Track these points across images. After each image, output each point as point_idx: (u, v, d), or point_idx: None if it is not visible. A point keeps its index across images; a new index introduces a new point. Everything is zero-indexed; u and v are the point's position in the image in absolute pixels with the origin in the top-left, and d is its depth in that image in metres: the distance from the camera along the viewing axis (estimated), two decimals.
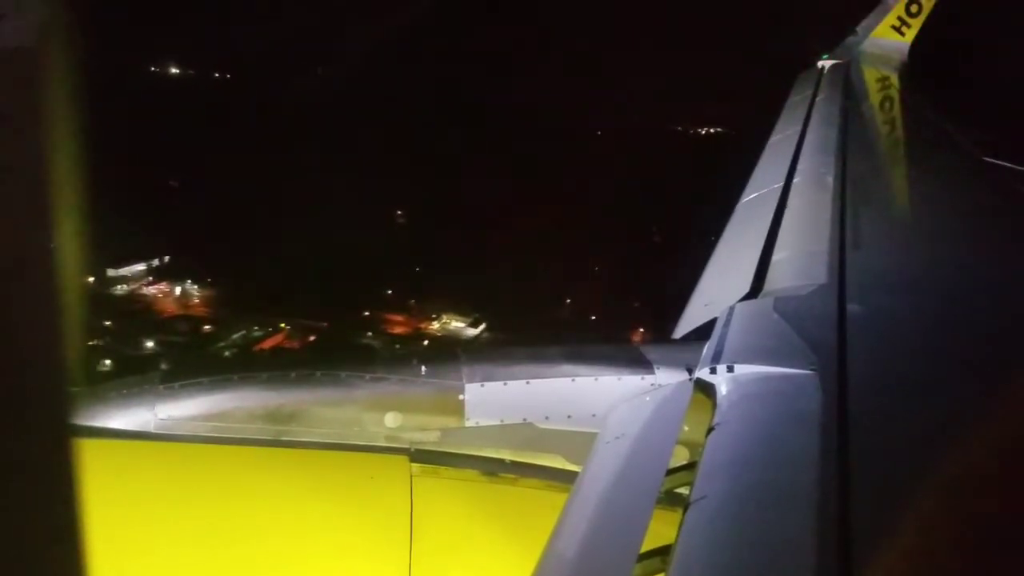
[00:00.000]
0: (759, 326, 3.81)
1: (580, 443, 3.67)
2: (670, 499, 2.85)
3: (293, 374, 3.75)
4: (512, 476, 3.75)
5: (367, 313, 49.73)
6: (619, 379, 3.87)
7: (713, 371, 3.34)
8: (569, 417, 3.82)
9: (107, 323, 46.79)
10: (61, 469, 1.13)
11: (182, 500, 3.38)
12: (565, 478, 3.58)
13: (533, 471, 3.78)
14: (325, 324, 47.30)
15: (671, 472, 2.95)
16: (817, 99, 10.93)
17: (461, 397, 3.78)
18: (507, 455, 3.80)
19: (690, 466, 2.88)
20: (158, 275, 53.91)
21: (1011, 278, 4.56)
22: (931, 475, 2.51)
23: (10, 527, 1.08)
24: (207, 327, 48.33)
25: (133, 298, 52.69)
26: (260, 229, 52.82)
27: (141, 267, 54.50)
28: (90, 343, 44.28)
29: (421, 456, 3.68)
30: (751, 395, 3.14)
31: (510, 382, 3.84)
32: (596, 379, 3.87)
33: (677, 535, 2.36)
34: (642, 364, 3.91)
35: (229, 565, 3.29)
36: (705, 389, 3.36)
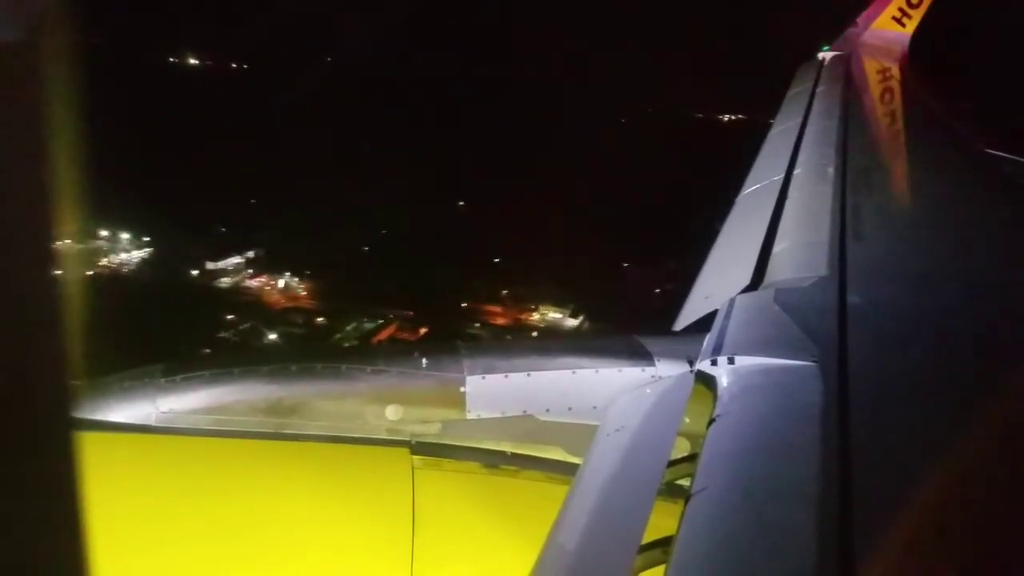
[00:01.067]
0: (760, 318, 3.81)
1: (581, 435, 3.67)
2: (671, 491, 2.85)
3: (294, 367, 3.75)
4: (513, 468, 3.76)
5: (464, 304, 50.60)
6: (620, 371, 3.87)
7: (714, 363, 3.34)
8: (570, 409, 3.82)
9: (229, 316, 48.44)
10: (62, 462, 1.13)
11: (183, 493, 3.38)
12: (566, 470, 3.58)
13: (534, 463, 3.79)
14: (420, 315, 48.26)
15: (672, 464, 2.95)
16: (817, 91, 10.90)
17: (462, 389, 3.78)
18: (508, 447, 3.81)
19: (691, 458, 2.89)
20: (255, 268, 55.00)
21: (1012, 269, 4.56)
22: (931, 467, 2.52)
23: (10, 520, 1.07)
24: (319, 319, 49.15)
25: (239, 290, 53.75)
26: (343, 221, 53.87)
27: (237, 260, 55.56)
28: (219, 335, 45.53)
29: (422, 448, 3.68)
30: (752, 387, 3.14)
31: (511, 374, 3.84)
32: (597, 371, 3.87)
33: (678, 527, 2.36)
34: (643, 356, 3.92)
35: (230, 558, 3.30)
36: (706, 381, 3.36)
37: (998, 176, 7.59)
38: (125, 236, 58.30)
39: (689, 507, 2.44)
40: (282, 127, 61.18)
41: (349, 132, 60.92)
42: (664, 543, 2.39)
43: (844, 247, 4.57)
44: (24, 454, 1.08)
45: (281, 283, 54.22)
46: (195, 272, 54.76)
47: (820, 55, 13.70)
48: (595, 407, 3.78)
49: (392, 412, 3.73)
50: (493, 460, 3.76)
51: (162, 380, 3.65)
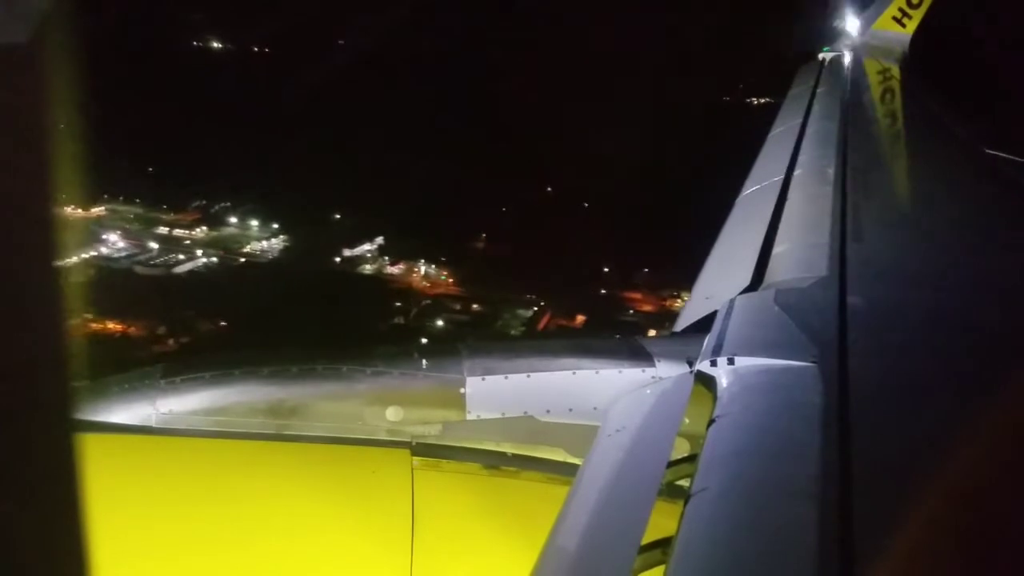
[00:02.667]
0: (760, 319, 3.81)
1: (581, 436, 3.67)
2: (671, 491, 2.85)
3: (295, 368, 3.75)
4: (514, 469, 3.76)
5: (603, 291, 50.58)
6: (620, 372, 3.87)
7: (714, 364, 3.34)
8: (570, 410, 3.82)
9: (398, 303, 49.14)
10: (62, 463, 1.13)
11: (184, 495, 3.38)
12: (566, 471, 3.58)
13: (535, 464, 3.78)
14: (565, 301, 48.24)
15: (672, 464, 2.95)
16: (818, 91, 10.91)
17: (462, 391, 3.78)
18: (508, 448, 3.81)
19: (691, 458, 2.89)
20: (388, 255, 55.65)
21: (1012, 270, 4.56)
22: (931, 467, 2.52)
23: (10, 522, 1.08)
24: (476, 306, 49.54)
25: (386, 277, 54.28)
26: (457, 207, 54.45)
27: (368, 247, 56.19)
28: (393, 321, 46.07)
29: (423, 450, 3.68)
30: (752, 387, 3.14)
31: (511, 375, 3.84)
32: (597, 372, 3.87)
33: (678, 527, 2.36)
34: (643, 357, 3.92)
35: (231, 559, 3.30)
36: (706, 382, 3.36)
37: (998, 176, 7.59)
38: (254, 223, 59.00)
39: (689, 508, 2.44)
40: (365, 112, 61.32)
41: (425, 115, 61.05)
42: (664, 544, 2.39)
43: (844, 248, 4.58)
44: (25, 455, 1.08)
45: (422, 270, 54.51)
46: (337, 259, 55.42)
47: (820, 56, 13.71)
48: (595, 408, 3.78)
49: (392, 413, 3.73)
50: (493, 461, 3.76)
51: (162, 382, 3.66)
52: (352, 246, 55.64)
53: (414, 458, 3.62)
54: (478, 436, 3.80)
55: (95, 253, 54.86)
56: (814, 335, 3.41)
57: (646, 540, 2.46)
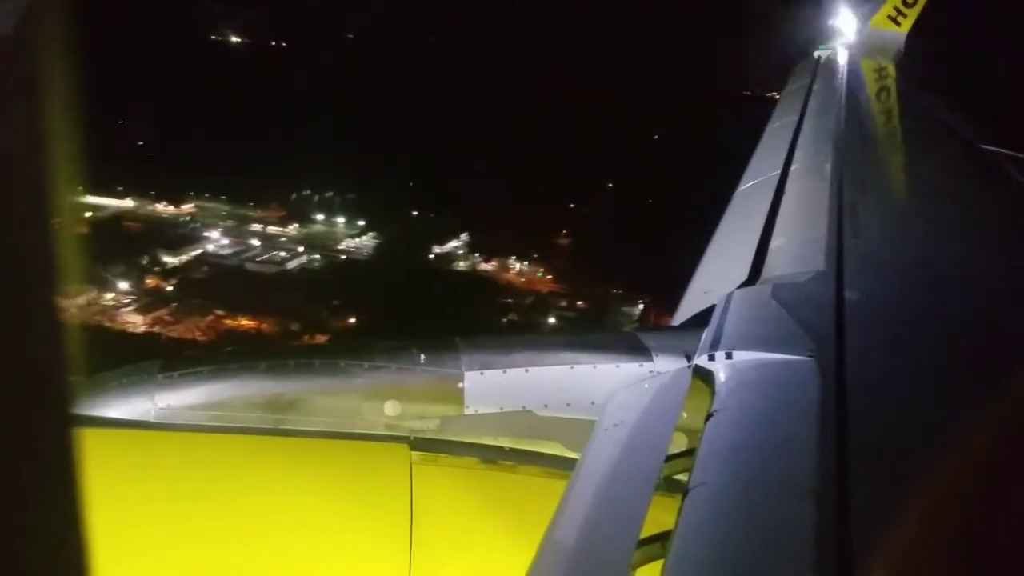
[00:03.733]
0: (757, 313, 3.81)
1: (579, 430, 3.67)
2: (669, 486, 2.85)
3: (292, 363, 3.75)
4: (511, 463, 3.76)
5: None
6: (617, 366, 3.87)
7: (711, 358, 3.34)
8: (568, 405, 3.82)
9: (504, 300, 49.31)
10: (60, 458, 1.13)
11: (182, 489, 3.38)
12: (564, 465, 3.58)
13: (532, 458, 3.78)
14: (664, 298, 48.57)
15: (670, 459, 2.95)
16: (814, 88, 10.93)
17: (460, 385, 3.78)
18: (506, 443, 3.81)
19: (689, 453, 2.89)
20: (477, 251, 55.79)
21: (1008, 265, 4.57)
22: (928, 461, 2.52)
23: (8, 518, 1.07)
24: (580, 303, 49.18)
25: (483, 274, 54.34)
26: (534, 204, 54.00)
27: (456, 243, 56.37)
28: (507, 318, 46.21)
29: (421, 444, 3.68)
30: (749, 382, 3.15)
31: (509, 370, 3.84)
32: (595, 367, 3.87)
33: (676, 521, 2.37)
34: (640, 351, 3.92)
35: (229, 554, 3.29)
36: (703, 376, 3.36)
37: (994, 172, 7.60)
38: (340, 220, 59.34)
39: (687, 502, 2.44)
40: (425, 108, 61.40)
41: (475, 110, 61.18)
42: (662, 537, 2.40)
43: (841, 243, 4.58)
44: (22, 450, 1.08)
45: (516, 266, 54.47)
46: (431, 256, 55.70)
47: (816, 54, 13.73)
48: (593, 402, 3.78)
49: (390, 408, 3.73)
50: (491, 455, 3.76)
51: (160, 376, 3.65)
52: (440, 243, 55.87)
53: (412, 453, 3.62)
54: (476, 430, 3.80)
55: (202, 250, 55.53)
56: (811, 329, 3.41)
57: (644, 534, 2.47)
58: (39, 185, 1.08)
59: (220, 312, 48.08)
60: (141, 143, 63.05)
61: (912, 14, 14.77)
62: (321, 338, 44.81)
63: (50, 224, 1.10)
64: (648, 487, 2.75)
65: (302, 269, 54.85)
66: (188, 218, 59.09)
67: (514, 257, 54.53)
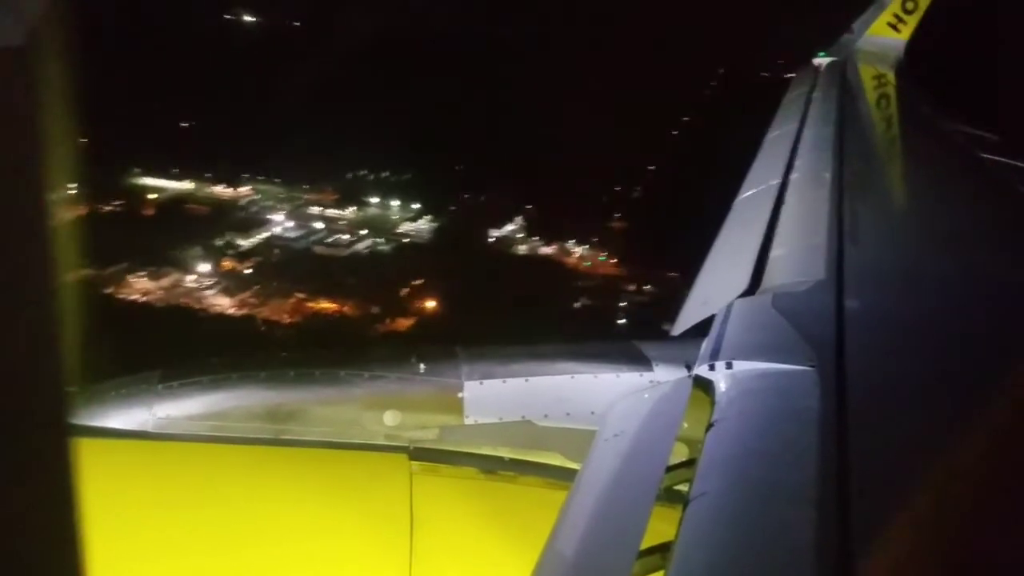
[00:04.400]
0: (757, 322, 3.81)
1: (579, 441, 3.66)
2: (669, 496, 2.85)
3: (292, 373, 3.75)
4: (511, 474, 3.75)
5: None
6: (618, 376, 3.86)
7: (712, 368, 3.34)
8: (568, 415, 3.82)
9: (573, 284, 48.71)
10: (59, 468, 1.12)
11: (181, 499, 3.37)
12: (564, 476, 3.57)
13: (532, 469, 3.78)
14: None
15: (670, 469, 2.95)
16: (813, 96, 10.94)
17: (460, 395, 3.78)
18: (506, 453, 3.80)
19: (689, 463, 2.88)
20: (531, 235, 55.71)
21: (1009, 274, 4.57)
22: (930, 471, 2.52)
23: (7, 528, 1.07)
24: (647, 287, 48.79)
25: (542, 258, 54.16)
26: (583, 187, 53.99)
27: (511, 227, 56.49)
28: (581, 303, 45.93)
29: (420, 454, 3.68)
30: (750, 391, 3.14)
31: (509, 380, 3.84)
32: (595, 376, 3.87)
33: (677, 532, 2.36)
34: (641, 361, 3.91)
35: (228, 564, 3.29)
36: (704, 386, 3.36)
37: (994, 181, 7.61)
38: (395, 203, 59.62)
39: (687, 512, 2.43)
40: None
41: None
42: (663, 548, 2.39)
43: (841, 252, 4.58)
44: (21, 460, 1.08)
45: (577, 250, 54.15)
46: (490, 239, 55.82)
47: (816, 61, 13.75)
48: (593, 412, 3.78)
49: (390, 418, 3.73)
50: (491, 466, 3.76)
51: (159, 386, 3.65)
52: (498, 226, 55.95)
53: (412, 463, 3.62)
54: (476, 440, 3.79)
55: (269, 233, 56.08)
56: (812, 339, 3.40)
57: (645, 545, 2.46)
58: (42, 194, 1.09)
59: (301, 295, 48.61)
60: (185, 124, 63.14)
61: (912, 21, 14.80)
62: (404, 322, 45.54)
63: (52, 234, 1.10)
64: (648, 497, 2.75)
65: (370, 252, 55.22)
66: (247, 200, 59.60)
67: (573, 240, 54.24)
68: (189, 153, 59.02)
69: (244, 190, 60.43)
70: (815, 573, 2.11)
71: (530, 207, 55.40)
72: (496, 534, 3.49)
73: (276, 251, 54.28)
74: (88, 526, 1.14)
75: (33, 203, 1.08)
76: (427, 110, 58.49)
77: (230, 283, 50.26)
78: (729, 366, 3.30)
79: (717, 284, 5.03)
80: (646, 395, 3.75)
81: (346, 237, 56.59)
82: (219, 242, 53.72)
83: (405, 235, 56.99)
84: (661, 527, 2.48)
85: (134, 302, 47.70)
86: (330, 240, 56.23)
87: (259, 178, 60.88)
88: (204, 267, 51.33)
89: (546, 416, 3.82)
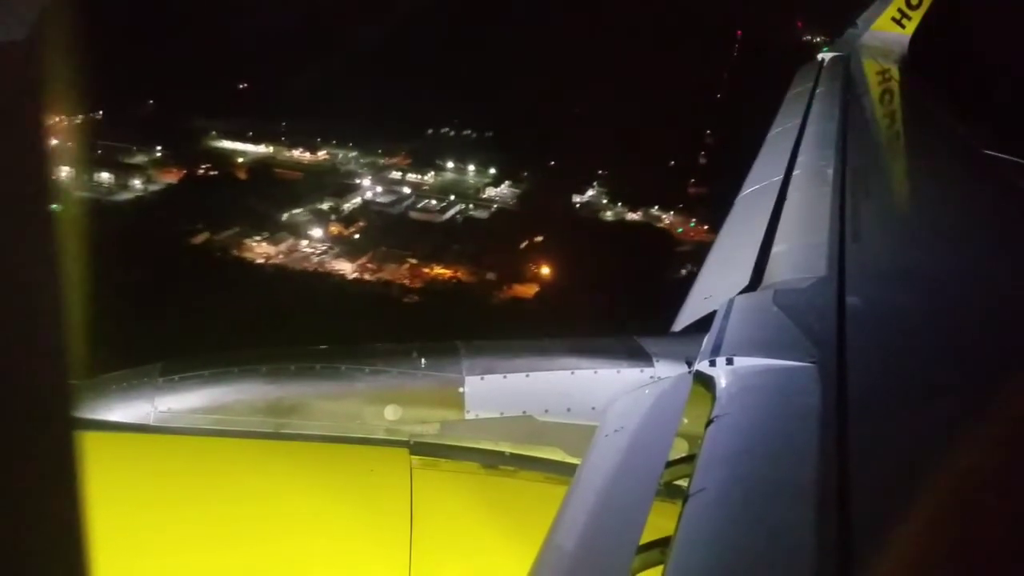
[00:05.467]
0: (758, 319, 3.81)
1: (580, 436, 3.67)
2: (669, 491, 2.85)
3: (293, 367, 3.75)
4: (512, 469, 3.76)
5: None
6: (618, 372, 3.87)
7: (712, 364, 3.34)
8: (568, 410, 3.82)
9: (679, 249, 48.46)
10: (60, 461, 1.13)
11: (181, 493, 3.38)
12: (565, 471, 3.58)
13: (533, 464, 3.78)
14: None
15: (670, 464, 2.95)
16: (817, 92, 10.90)
17: (461, 390, 3.78)
18: (507, 448, 3.81)
19: (689, 458, 2.89)
20: (614, 201, 56.04)
21: (1011, 271, 4.56)
22: (930, 468, 2.52)
23: (9, 521, 1.08)
24: None
25: (632, 224, 54.45)
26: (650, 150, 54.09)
27: (593, 192, 57.10)
28: (684, 269, 45.30)
29: (421, 449, 3.68)
30: (750, 388, 3.14)
31: (509, 375, 3.84)
32: (595, 372, 3.87)
33: (676, 527, 2.37)
34: (641, 357, 3.91)
35: (229, 557, 3.30)
36: (704, 382, 3.36)
37: (997, 178, 7.59)
38: (471, 168, 60.31)
39: (687, 508, 2.44)
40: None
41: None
42: (662, 543, 2.39)
43: (843, 248, 4.58)
44: (23, 453, 1.08)
45: (664, 217, 54.23)
46: (576, 204, 56.01)
47: (819, 56, 13.70)
48: (594, 408, 3.78)
49: (391, 412, 3.73)
50: (492, 460, 3.76)
51: (160, 379, 3.65)
52: (579, 192, 56.09)
53: (412, 457, 3.62)
54: (476, 435, 3.80)
55: (360, 199, 57.07)
56: (813, 335, 3.41)
57: (644, 540, 2.46)
58: (44, 187, 1.09)
59: (413, 260, 49.43)
60: (243, 86, 63.93)
61: (916, 16, 14.73)
62: (521, 289, 46.00)
63: (53, 228, 1.11)
64: (648, 493, 2.75)
65: (465, 218, 55.78)
66: (329, 164, 60.51)
67: (656, 207, 54.29)
68: (259, 116, 59.86)
69: (322, 154, 61.35)
70: (814, 569, 2.11)
71: (602, 172, 55.24)
72: (496, 529, 3.50)
73: (374, 216, 54.99)
74: (90, 519, 1.14)
75: (34, 196, 1.08)
76: (494, 75, 58.97)
77: (341, 248, 51.29)
78: (730, 362, 3.30)
79: (719, 280, 5.03)
80: (647, 391, 3.75)
81: (432, 202, 57.30)
82: (320, 207, 54.59)
83: (491, 200, 57.40)
84: (661, 522, 2.49)
85: (263, 266, 48.87)
86: (420, 205, 56.95)
87: (333, 142, 61.61)
88: (313, 232, 52.49)
89: (547, 411, 3.82)
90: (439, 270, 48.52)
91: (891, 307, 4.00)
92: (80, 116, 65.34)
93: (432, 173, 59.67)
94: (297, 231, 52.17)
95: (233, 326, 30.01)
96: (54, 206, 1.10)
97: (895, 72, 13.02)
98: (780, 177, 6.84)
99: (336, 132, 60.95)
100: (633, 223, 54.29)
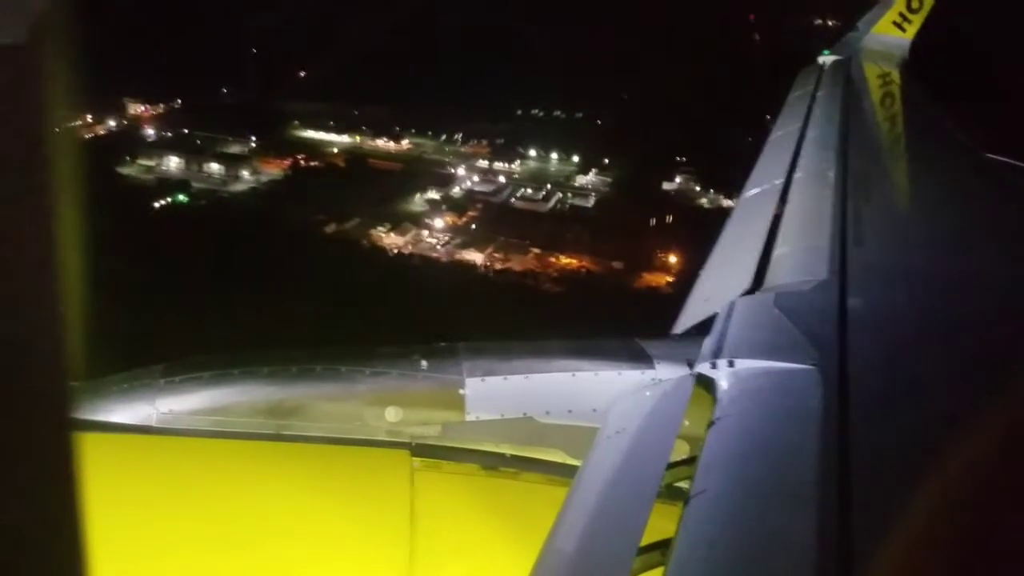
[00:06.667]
0: (760, 321, 3.81)
1: (581, 438, 3.67)
2: (670, 493, 2.85)
3: (294, 369, 3.75)
4: (513, 470, 3.76)
5: None
6: (619, 374, 3.86)
7: (714, 366, 3.34)
8: (570, 412, 3.82)
9: None
10: (61, 463, 1.13)
11: (182, 494, 3.38)
12: (566, 472, 3.58)
13: (534, 465, 3.78)
14: None
15: (671, 466, 2.95)
16: (818, 95, 10.91)
17: (462, 391, 3.78)
18: (508, 449, 3.80)
19: (690, 460, 2.89)
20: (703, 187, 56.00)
21: (1011, 274, 4.56)
22: (930, 470, 2.52)
23: (9, 522, 1.08)
24: None
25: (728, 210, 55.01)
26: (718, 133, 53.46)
27: (679, 179, 56.93)
28: None
29: (422, 450, 3.68)
30: (751, 390, 3.14)
31: (510, 377, 3.84)
32: (596, 374, 3.87)
33: (677, 529, 2.37)
34: (642, 359, 3.91)
35: (230, 559, 3.29)
36: (705, 384, 3.36)
37: (998, 181, 7.60)
38: (554, 156, 60.39)
39: (688, 509, 2.44)
40: None
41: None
42: (663, 545, 2.39)
43: (844, 251, 4.58)
44: (24, 455, 1.08)
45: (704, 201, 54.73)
46: (670, 191, 56.17)
47: (820, 59, 13.71)
48: (595, 409, 3.78)
49: (392, 414, 3.73)
50: (493, 462, 3.76)
51: (162, 381, 3.65)
52: (669, 179, 56.12)
53: (413, 459, 3.62)
54: (477, 437, 3.79)
55: (459, 189, 57.65)
56: (814, 338, 3.41)
57: (645, 542, 2.46)
58: (46, 187, 1.09)
59: (535, 249, 49.78)
60: (303, 73, 64.21)
61: (917, 20, 14.74)
62: (651, 278, 45.78)
63: (53, 229, 1.11)
64: (649, 495, 2.75)
65: (570, 206, 55.81)
66: (416, 154, 60.94)
67: (701, 186, 54.96)
68: (327, 104, 60.40)
69: (405, 143, 61.91)
70: (815, 572, 2.11)
71: (682, 159, 55.07)
72: (497, 530, 3.50)
73: (479, 205, 55.30)
74: (90, 520, 1.14)
75: (36, 196, 1.08)
76: (564, 63, 58.83)
77: (462, 238, 51.90)
78: (731, 364, 3.31)
79: (720, 282, 5.03)
80: (648, 393, 3.75)
81: (529, 191, 57.43)
82: (427, 196, 55.26)
83: (585, 188, 57.47)
84: (662, 524, 2.49)
85: (403, 256, 49.79)
86: (519, 194, 57.15)
87: (411, 131, 61.97)
88: (433, 222, 53.25)
89: (548, 413, 3.82)
90: (565, 259, 48.80)
91: (892, 310, 4.00)
92: (161, 106, 65.50)
93: (518, 161, 59.84)
94: (417, 221, 52.74)
95: (411, 319, 30.58)
96: (56, 203, 1.10)
97: (896, 76, 13.02)
98: (781, 180, 6.85)
99: (409, 119, 61.24)
100: (729, 209, 54.76)
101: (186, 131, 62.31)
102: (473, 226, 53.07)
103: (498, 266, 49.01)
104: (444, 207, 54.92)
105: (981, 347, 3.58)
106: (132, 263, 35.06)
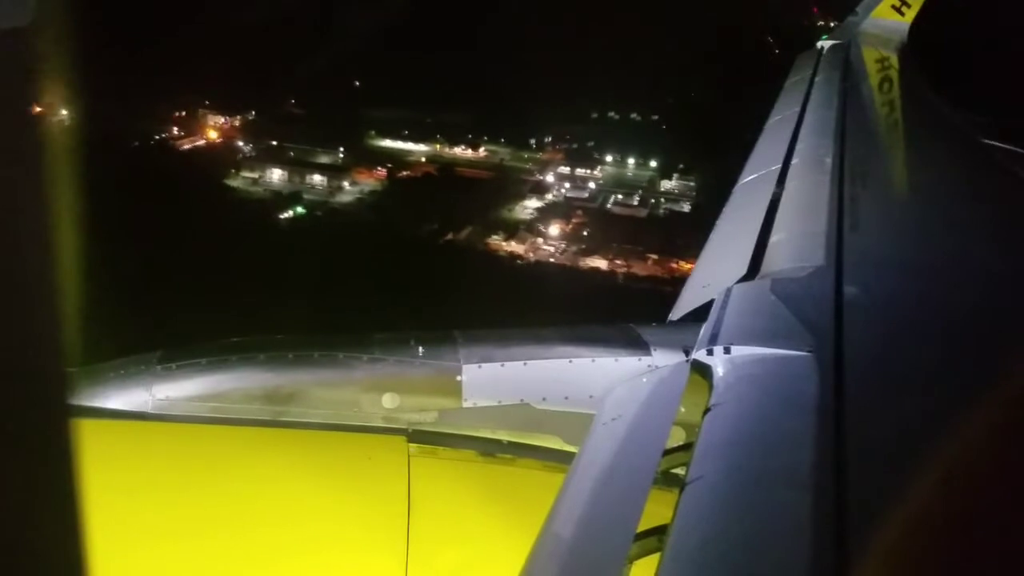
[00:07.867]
0: (756, 308, 3.81)
1: (577, 424, 3.68)
2: (666, 479, 2.86)
3: (291, 355, 3.75)
4: (509, 456, 3.77)
5: None
6: (616, 360, 3.87)
7: (710, 352, 3.34)
8: (566, 398, 3.83)
9: None
10: (58, 449, 1.13)
11: (179, 481, 3.39)
12: (562, 459, 3.59)
13: (530, 452, 3.79)
14: None
15: (667, 453, 2.96)
16: (816, 80, 10.87)
17: (459, 378, 3.79)
18: (504, 436, 3.82)
19: (686, 447, 2.90)
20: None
21: (1009, 261, 4.56)
22: (926, 457, 2.53)
23: (6, 508, 1.08)
24: None
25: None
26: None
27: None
28: None
29: (419, 436, 3.69)
30: (747, 376, 3.15)
31: (507, 363, 3.85)
32: (593, 360, 3.88)
33: (673, 515, 2.38)
34: (639, 345, 3.92)
35: (226, 545, 3.31)
36: (702, 370, 3.37)
37: (996, 167, 7.59)
38: (631, 161, 60.77)
39: (684, 496, 2.45)
40: None
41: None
42: (659, 531, 2.40)
43: (841, 237, 4.58)
44: (20, 441, 1.08)
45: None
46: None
47: (819, 44, 13.65)
48: (591, 396, 3.79)
49: (389, 400, 3.74)
50: (489, 448, 3.77)
51: (158, 367, 3.65)
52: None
53: (410, 445, 3.63)
54: (474, 423, 3.80)
55: (553, 196, 57.92)
56: (810, 325, 3.41)
57: (641, 527, 2.48)
58: (42, 174, 1.09)
59: (652, 255, 50.08)
60: (357, 83, 64.38)
61: (916, 4, 14.67)
62: None
63: (50, 219, 1.10)
64: (646, 481, 2.76)
65: (668, 212, 56.24)
66: (496, 161, 61.13)
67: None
68: (394, 111, 60.85)
69: (482, 151, 62.06)
70: (811, 557, 2.12)
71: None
72: (494, 516, 3.51)
73: (579, 212, 55.46)
74: (88, 506, 1.15)
75: (32, 183, 1.08)
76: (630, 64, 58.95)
77: (577, 244, 52.04)
78: (727, 351, 3.31)
79: (716, 269, 5.03)
80: (644, 379, 3.76)
81: (621, 196, 57.55)
82: (527, 204, 55.53)
83: (671, 193, 58.00)
84: (658, 510, 2.50)
85: (531, 263, 49.99)
86: (612, 200, 57.24)
87: (484, 138, 62.13)
88: (548, 229, 53.58)
89: (544, 399, 3.83)
90: (685, 265, 48.81)
91: (888, 297, 4.00)
92: (239, 117, 65.54)
93: (599, 167, 59.85)
94: (531, 228, 52.97)
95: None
96: (52, 192, 1.10)
97: (894, 60, 12.97)
98: (778, 165, 6.84)
99: (486, 128, 61.25)
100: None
101: (274, 143, 62.23)
102: (585, 232, 53.10)
103: (623, 271, 49.14)
104: (551, 214, 55.09)
105: (978, 333, 3.59)
106: (291, 276, 35.98)
